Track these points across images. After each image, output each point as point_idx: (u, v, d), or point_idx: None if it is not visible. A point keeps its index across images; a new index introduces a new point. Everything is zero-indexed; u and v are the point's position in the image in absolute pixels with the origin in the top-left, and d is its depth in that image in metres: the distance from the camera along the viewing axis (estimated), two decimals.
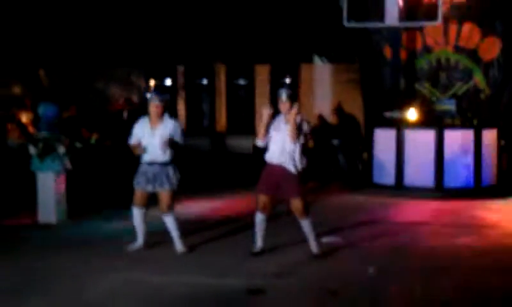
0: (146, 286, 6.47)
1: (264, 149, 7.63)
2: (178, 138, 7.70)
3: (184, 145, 7.78)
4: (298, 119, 7.41)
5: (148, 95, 7.75)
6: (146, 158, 7.73)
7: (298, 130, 7.36)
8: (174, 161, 7.76)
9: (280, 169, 7.44)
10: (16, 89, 19.44)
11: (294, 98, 7.54)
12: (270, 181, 7.48)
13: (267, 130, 7.48)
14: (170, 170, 7.70)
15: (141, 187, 7.75)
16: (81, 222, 9.53)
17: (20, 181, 10.58)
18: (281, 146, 7.41)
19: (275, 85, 18.77)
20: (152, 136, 7.66)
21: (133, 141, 7.82)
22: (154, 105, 7.66)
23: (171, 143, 7.60)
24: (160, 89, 7.53)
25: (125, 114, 15.16)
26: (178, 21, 18.39)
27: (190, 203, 10.54)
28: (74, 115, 15.64)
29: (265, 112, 7.51)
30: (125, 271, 6.97)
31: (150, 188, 7.71)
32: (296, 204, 7.47)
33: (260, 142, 7.59)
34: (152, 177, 7.67)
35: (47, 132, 9.52)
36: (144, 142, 7.71)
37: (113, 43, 18.97)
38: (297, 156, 7.42)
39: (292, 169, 7.41)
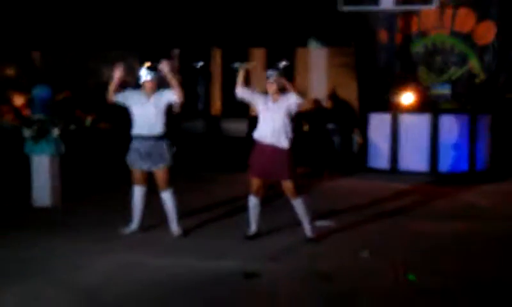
0: (142, 269, 6.48)
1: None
2: (171, 97, 7.65)
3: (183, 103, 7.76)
4: (285, 98, 7.42)
5: (141, 72, 7.68)
6: (139, 131, 7.65)
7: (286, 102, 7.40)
8: (168, 136, 7.73)
9: (271, 149, 7.42)
10: (10, 71, 19.36)
11: (282, 75, 7.51)
12: (261, 163, 7.47)
13: (251, 91, 7.66)
14: (164, 145, 7.65)
15: (138, 166, 7.72)
16: (76, 205, 9.52)
17: (14, 164, 10.57)
18: (271, 125, 7.39)
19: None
20: (147, 105, 7.61)
21: (119, 94, 7.72)
22: (147, 82, 7.66)
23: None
24: (153, 68, 7.51)
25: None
26: (174, 3, 18.31)
27: (185, 186, 10.54)
28: (69, 97, 15.62)
29: (246, 66, 7.55)
30: (121, 254, 6.97)
31: (145, 166, 7.68)
32: (287, 185, 7.47)
33: (238, 91, 7.63)
34: (146, 155, 7.61)
35: (41, 114, 9.47)
36: (137, 112, 7.67)
37: (108, 25, 18.88)
38: (288, 129, 7.41)
39: (284, 143, 7.39)
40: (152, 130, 7.61)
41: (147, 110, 7.60)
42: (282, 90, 7.45)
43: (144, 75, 7.66)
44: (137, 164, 7.71)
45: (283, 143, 7.41)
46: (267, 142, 7.45)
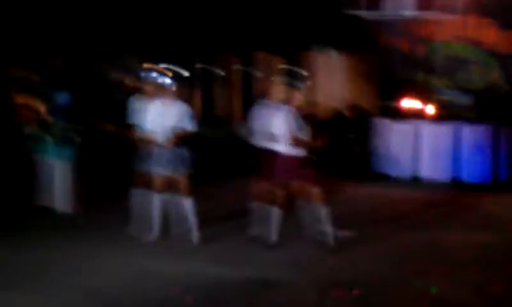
0: (158, 276, 6.46)
1: None
2: (186, 122, 7.65)
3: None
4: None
5: (143, 74, 7.72)
6: (155, 138, 7.64)
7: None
8: (185, 143, 7.71)
9: (276, 155, 7.43)
10: (31, 77, 19.46)
11: (293, 85, 7.47)
12: (269, 168, 7.45)
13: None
14: (184, 152, 7.64)
15: (157, 172, 7.67)
16: (92, 210, 9.49)
17: (31, 168, 10.58)
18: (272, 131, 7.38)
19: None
20: (162, 117, 7.60)
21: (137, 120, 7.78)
22: (147, 85, 7.68)
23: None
24: (151, 70, 7.61)
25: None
26: (180, 9, 18.30)
27: (204, 192, 10.48)
28: (85, 103, 15.64)
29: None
30: (136, 261, 6.95)
31: (165, 172, 7.64)
32: (311, 189, 7.45)
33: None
34: (165, 160, 7.60)
35: (60, 120, 9.51)
36: (151, 122, 7.67)
37: (128, 33, 18.95)
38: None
39: (286, 149, 7.36)
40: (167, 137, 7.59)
41: (163, 120, 7.60)
42: (285, 101, 7.35)
43: (145, 77, 7.65)
44: (156, 169, 7.69)
45: (285, 149, 7.35)
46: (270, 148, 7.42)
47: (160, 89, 7.62)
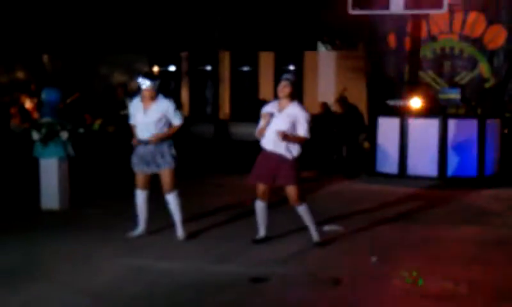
0: (148, 273, 6.48)
1: None
2: (171, 117, 7.68)
3: (182, 125, 7.76)
4: (294, 109, 7.36)
5: (139, 80, 7.71)
6: (140, 136, 7.67)
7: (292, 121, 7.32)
8: (171, 138, 7.74)
9: (275, 156, 7.37)
10: (20, 75, 19.44)
11: (295, 85, 7.47)
12: (265, 168, 7.42)
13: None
14: (165, 148, 7.65)
15: (140, 169, 7.74)
16: (84, 208, 9.53)
17: (23, 166, 10.59)
18: (273, 132, 7.29)
19: (279, 72, 18.74)
20: (145, 115, 7.62)
21: (132, 121, 7.85)
22: (145, 89, 7.65)
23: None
24: (150, 75, 7.64)
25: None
26: (183, 7, 18.34)
27: (192, 190, 10.53)
28: (78, 99, 15.65)
29: (265, 115, 7.43)
30: (128, 258, 6.97)
31: (148, 170, 7.70)
32: (290, 190, 7.42)
33: (258, 136, 7.53)
34: (149, 158, 7.63)
35: (50, 118, 9.47)
36: (138, 120, 7.70)
37: (117, 29, 18.94)
38: (291, 144, 7.36)
39: (287, 155, 7.35)
40: (152, 134, 7.63)
41: (146, 120, 7.62)
42: (291, 96, 7.39)
43: (142, 82, 7.65)
44: (139, 167, 7.74)
45: (286, 153, 7.34)
46: (269, 149, 7.41)
47: (148, 91, 7.64)
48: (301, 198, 7.48)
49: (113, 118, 13.69)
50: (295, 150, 7.39)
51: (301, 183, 7.54)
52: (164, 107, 7.66)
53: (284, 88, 7.37)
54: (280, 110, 7.37)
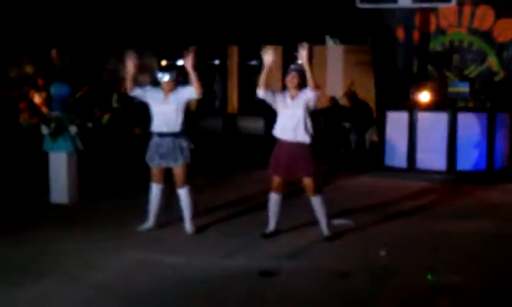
0: (157, 267, 6.50)
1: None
2: (188, 95, 7.68)
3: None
4: (304, 93, 7.38)
5: (158, 75, 7.74)
6: (159, 129, 7.67)
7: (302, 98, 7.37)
8: (186, 132, 7.74)
9: (291, 146, 7.39)
10: (29, 69, 19.48)
11: (303, 75, 7.46)
12: (282, 160, 7.44)
13: (272, 92, 7.46)
14: (183, 142, 7.65)
15: (156, 164, 7.73)
16: (93, 202, 9.56)
17: (32, 161, 10.63)
18: (290, 121, 7.35)
19: (287, 66, 18.72)
20: (166, 103, 7.63)
21: (138, 89, 7.77)
22: (166, 83, 7.66)
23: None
24: (166, 68, 7.70)
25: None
26: (191, 1, 18.34)
27: (202, 184, 10.54)
28: (86, 93, 15.69)
29: (267, 57, 7.45)
30: (137, 252, 6.99)
31: (164, 163, 7.70)
32: (308, 182, 7.44)
33: (260, 92, 7.48)
34: (165, 152, 7.63)
35: (59, 112, 9.51)
36: (156, 110, 7.69)
37: (125, 23, 18.95)
38: (308, 123, 7.38)
39: (305, 138, 7.36)
40: (170, 127, 7.62)
41: (166, 108, 7.62)
42: (300, 86, 7.42)
43: (161, 76, 7.67)
44: (155, 161, 7.73)
45: (304, 138, 7.37)
46: (287, 139, 7.41)
47: (168, 83, 7.66)
48: (318, 190, 7.50)
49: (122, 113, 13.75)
50: (310, 134, 7.40)
51: (317, 174, 7.56)
52: (183, 92, 7.68)
53: (293, 79, 7.42)
54: (292, 98, 7.41)
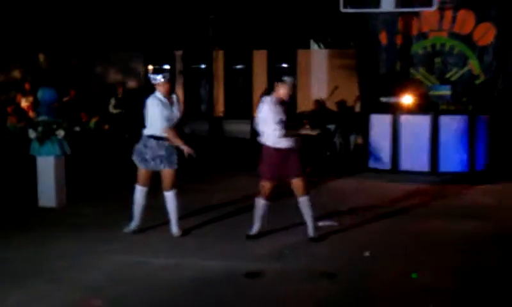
0: (145, 269, 6.57)
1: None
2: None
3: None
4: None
5: (151, 77, 7.82)
6: (153, 132, 7.71)
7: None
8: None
9: (285, 152, 7.48)
10: (16, 74, 19.49)
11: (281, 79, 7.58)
12: (274, 166, 7.51)
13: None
14: (173, 147, 7.71)
15: (143, 165, 7.80)
16: (81, 206, 9.61)
17: (20, 165, 10.67)
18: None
19: (272, 70, 18.89)
20: (175, 109, 7.78)
21: (166, 122, 7.73)
22: (161, 84, 7.73)
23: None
24: (159, 69, 7.79)
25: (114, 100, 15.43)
26: (177, 5, 18.43)
27: (187, 187, 10.62)
28: (73, 99, 15.77)
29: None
30: (125, 254, 7.07)
31: (151, 166, 7.76)
32: (298, 182, 7.54)
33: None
34: (153, 154, 7.69)
35: (46, 116, 9.54)
36: (169, 118, 7.72)
37: (112, 27, 19.01)
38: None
39: (296, 146, 7.51)
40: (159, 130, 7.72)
41: (176, 112, 7.79)
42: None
43: (156, 79, 7.75)
44: (143, 163, 7.80)
45: (295, 145, 7.51)
46: (281, 147, 7.47)
47: (165, 84, 7.78)
48: (307, 190, 7.62)
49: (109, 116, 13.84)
50: (297, 140, 7.60)
51: (306, 174, 7.72)
52: (177, 101, 7.85)
53: (285, 89, 7.49)
54: (284, 108, 7.51)
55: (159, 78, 7.71)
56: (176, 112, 7.80)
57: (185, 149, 7.64)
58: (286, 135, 7.40)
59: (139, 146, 7.82)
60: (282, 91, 7.48)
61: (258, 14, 18.27)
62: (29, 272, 6.45)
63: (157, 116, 7.65)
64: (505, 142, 13.02)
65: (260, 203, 7.69)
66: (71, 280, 6.24)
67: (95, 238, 7.72)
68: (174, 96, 7.86)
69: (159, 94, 7.75)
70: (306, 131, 8.00)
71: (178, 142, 7.67)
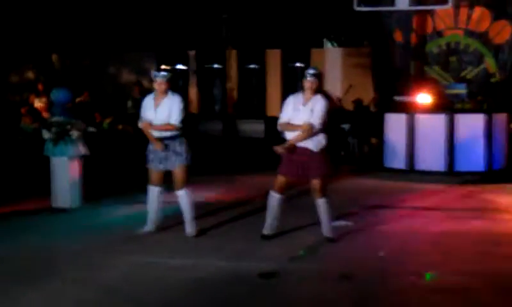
0: (160, 270, 6.56)
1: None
2: (172, 113, 7.72)
3: (180, 125, 7.77)
4: (314, 101, 7.43)
5: (152, 74, 7.90)
6: (154, 134, 7.74)
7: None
8: (183, 135, 7.80)
9: (303, 150, 7.41)
10: (29, 74, 19.57)
11: (320, 78, 7.52)
12: (293, 163, 7.45)
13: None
14: (179, 145, 7.73)
15: (154, 166, 7.81)
16: (95, 206, 9.60)
17: (34, 166, 10.69)
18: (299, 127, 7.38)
19: (286, 70, 18.85)
20: (156, 113, 7.72)
21: (142, 119, 7.87)
22: (158, 82, 7.76)
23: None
24: (161, 70, 7.90)
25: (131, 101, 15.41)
26: (190, 6, 18.43)
27: (202, 187, 10.60)
28: (87, 100, 15.80)
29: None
30: (140, 255, 7.05)
31: (161, 167, 7.77)
32: (316, 183, 7.45)
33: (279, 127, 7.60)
34: (163, 155, 7.70)
35: (60, 117, 9.56)
36: (149, 118, 7.77)
37: (125, 27, 19.04)
38: (318, 135, 7.42)
39: (312, 146, 7.40)
40: (164, 132, 7.73)
41: (157, 116, 7.74)
42: (316, 92, 7.46)
43: (155, 76, 7.82)
44: (154, 164, 7.80)
45: (311, 146, 7.42)
46: (300, 145, 7.42)
47: (161, 83, 7.76)
48: (325, 192, 7.53)
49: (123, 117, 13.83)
50: (321, 142, 7.46)
51: (328, 177, 7.62)
52: (171, 103, 7.75)
53: (312, 85, 7.43)
54: (304, 103, 7.46)
55: (156, 77, 7.78)
56: (160, 115, 7.71)
57: (156, 145, 7.67)
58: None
59: (149, 147, 7.85)
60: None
61: (272, 13, 18.23)
62: (44, 272, 6.45)
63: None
64: None
65: (273, 197, 7.61)
66: (86, 280, 6.24)
67: (110, 239, 7.71)
68: (167, 99, 7.77)
69: (152, 93, 7.84)
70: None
71: (150, 139, 7.74)
